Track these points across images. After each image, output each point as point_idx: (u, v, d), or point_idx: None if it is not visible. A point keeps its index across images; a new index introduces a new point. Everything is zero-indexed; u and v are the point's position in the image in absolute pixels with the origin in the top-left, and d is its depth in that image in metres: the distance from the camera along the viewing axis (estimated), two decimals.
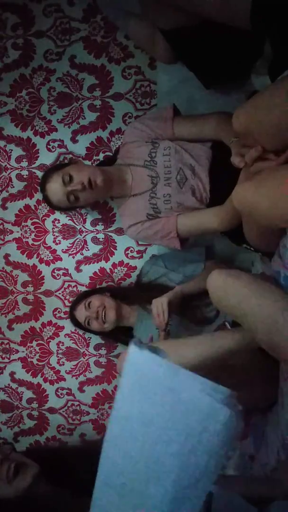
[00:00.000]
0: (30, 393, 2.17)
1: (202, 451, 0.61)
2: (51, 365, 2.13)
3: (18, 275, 2.09)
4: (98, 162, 1.94)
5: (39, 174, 1.97)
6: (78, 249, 2.04)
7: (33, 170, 2.01)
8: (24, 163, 2.02)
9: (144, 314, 1.80)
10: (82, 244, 2.04)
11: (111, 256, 2.03)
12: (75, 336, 2.09)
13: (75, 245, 2.04)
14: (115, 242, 2.02)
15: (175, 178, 1.63)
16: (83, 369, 2.12)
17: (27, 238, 2.06)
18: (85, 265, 2.05)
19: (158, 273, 1.85)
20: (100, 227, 2.01)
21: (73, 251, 2.05)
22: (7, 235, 2.07)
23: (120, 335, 1.89)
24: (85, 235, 2.03)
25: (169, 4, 1.35)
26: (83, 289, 2.04)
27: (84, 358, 2.11)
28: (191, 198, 1.62)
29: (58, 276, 2.07)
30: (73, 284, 2.06)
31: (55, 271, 2.07)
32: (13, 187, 2.03)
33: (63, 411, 2.17)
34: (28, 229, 2.05)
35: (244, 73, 1.64)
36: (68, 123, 1.97)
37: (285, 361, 1.10)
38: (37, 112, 1.98)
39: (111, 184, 1.68)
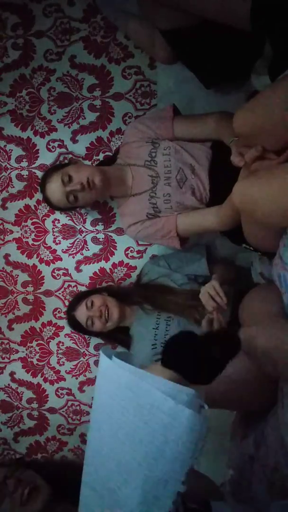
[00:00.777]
0: (30, 393, 2.17)
1: (169, 453, 0.63)
2: (51, 365, 2.14)
3: (18, 275, 2.09)
4: (98, 162, 1.95)
5: (39, 174, 1.97)
6: (78, 249, 2.04)
7: (33, 170, 2.01)
8: (24, 163, 2.02)
9: (143, 314, 1.81)
10: (82, 244, 2.04)
11: (111, 256, 2.03)
12: (75, 336, 2.09)
13: (75, 245, 2.04)
14: (115, 242, 2.02)
15: (175, 177, 1.63)
16: (83, 369, 2.12)
17: (27, 238, 2.06)
18: (85, 265, 2.05)
19: (159, 273, 1.85)
20: (100, 227, 2.02)
21: (73, 251, 2.05)
22: (7, 235, 2.07)
23: (119, 335, 1.89)
24: (85, 235, 2.03)
25: (168, 4, 1.34)
26: (83, 289, 2.04)
27: (84, 358, 2.11)
28: (190, 198, 1.63)
29: (58, 276, 2.07)
30: (73, 284, 2.07)
31: (55, 271, 2.07)
32: (13, 187, 2.04)
33: (63, 411, 2.17)
34: (28, 229, 2.06)
35: (244, 73, 1.64)
36: (68, 123, 1.97)
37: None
38: (37, 112, 1.98)
39: (110, 184, 1.68)
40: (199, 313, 1.68)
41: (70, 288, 2.07)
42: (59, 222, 2.04)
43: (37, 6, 1.91)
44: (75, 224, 2.03)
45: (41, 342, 2.12)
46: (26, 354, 2.14)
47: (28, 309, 2.11)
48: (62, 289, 2.08)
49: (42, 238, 2.06)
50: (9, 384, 2.18)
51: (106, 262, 2.03)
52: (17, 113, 1.99)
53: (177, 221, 1.66)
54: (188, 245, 1.80)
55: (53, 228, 2.04)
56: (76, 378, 2.13)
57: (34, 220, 2.05)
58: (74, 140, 1.98)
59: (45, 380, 2.15)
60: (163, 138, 1.68)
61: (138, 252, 2.01)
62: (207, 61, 1.60)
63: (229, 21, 1.23)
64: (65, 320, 2.04)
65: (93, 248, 2.03)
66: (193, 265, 1.81)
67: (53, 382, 2.15)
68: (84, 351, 2.10)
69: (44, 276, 2.08)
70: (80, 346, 2.10)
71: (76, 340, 2.10)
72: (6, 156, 2.02)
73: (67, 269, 2.06)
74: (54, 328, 2.11)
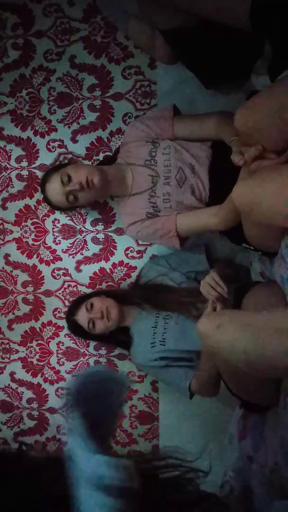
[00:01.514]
0: (30, 393, 2.17)
1: None
2: (51, 365, 2.13)
3: (18, 275, 2.09)
4: (98, 162, 1.95)
5: (39, 174, 1.97)
6: (78, 249, 2.04)
7: (33, 170, 2.01)
8: (24, 163, 2.02)
9: (142, 313, 1.81)
10: (82, 244, 2.04)
11: (111, 256, 2.03)
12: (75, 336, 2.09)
13: (75, 245, 2.04)
14: (115, 242, 2.02)
15: (175, 177, 1.63)
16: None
17: (27, 238, 2.06)
18: (85, 265, 2.05)
19: (158, 272, 1.85)
20: (100, 227, 2.01)
21: (73, 251, 2.05)
22: (7, 235, 2.07)
23: (120, 336, 1.88)
24: (85, 235, 2.03)
25: (168, 4, 1.35)
26: (83, 289, 2.04)
27: (84, 358, 2.10)
28: (190, 197, 1.63)
29: (58, 276, 2.07)
30: (73, 284, 2.06)
31: (55, 271, 2.07)
32: (13, 187, 2.04)
33: (63, 411, 2.17)
34: (28, 229, 2.06)
35: (244, 73, 1.64)
36: (68, 123, 1.97)
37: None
38: (37, 112, 1.98)
39: (110, 184, 1.68)
40: (198, 309, 1.68)
41: (70, 288, 2.07)
42: (59, 222, 2.04)
43: (37, 6, 1.91)
44: (75, 224, 2.03)
45: (41, 342, 2.12)
46: (26, 354, 2.14)
47: (28, 309, 2.11)
48: (62, 289, 2.08)
49: (42, 238, 2.06)
50: (9, 384, 2.17)
51: (106, 262, 2.03)
52: (17, 113, 1.99)
53: (176, 220, 1.66)
54: (188, 245, 1.80)
55: (53, 228, 2.04)
56: None
57: (34, 220, 2.05)
58: (74, 140, 1.98)
59: (45, 380, 2.15)
60: (163, 138, 1.68)
61: (138, 252, 2.01)
62: (207, 61, 1.60)
63: (229, 21, 1.24)
64: (65, 320, 2.05)
65: (93, 248, 2.03)
66: (193, 262, 1.81)
67: (53, 382, 2.14)
68: (84, 351, 2.10)
69: (44, 276, 2.08)
70: (80, 346, 2.10)
71: (76, 340, 2.09)
72: (6, 156, 2.02)
73: (67, 269, 2.06)
74: (54, 328, 2.11)
